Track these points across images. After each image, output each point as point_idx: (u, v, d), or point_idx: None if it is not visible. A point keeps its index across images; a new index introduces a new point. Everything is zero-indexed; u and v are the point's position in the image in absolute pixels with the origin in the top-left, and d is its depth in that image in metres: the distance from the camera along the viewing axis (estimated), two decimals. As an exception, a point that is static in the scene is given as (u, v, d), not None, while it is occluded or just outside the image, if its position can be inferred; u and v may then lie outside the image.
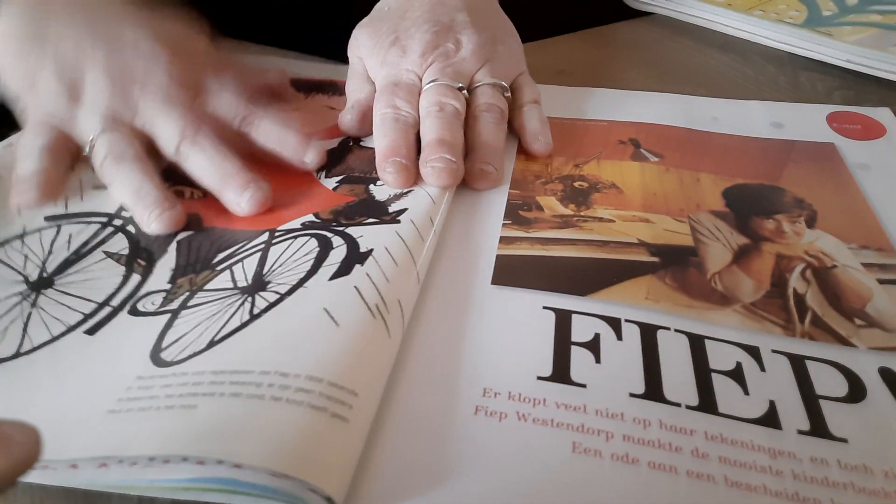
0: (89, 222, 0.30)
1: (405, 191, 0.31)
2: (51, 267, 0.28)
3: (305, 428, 0.20)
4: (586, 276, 0.28)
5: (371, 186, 0.32)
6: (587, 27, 0.51)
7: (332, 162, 0.35)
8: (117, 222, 0.30)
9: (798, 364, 0.24)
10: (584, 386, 0.23)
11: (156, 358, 0.23)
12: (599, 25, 0.51)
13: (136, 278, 0.27)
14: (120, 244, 0.29)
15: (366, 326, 0.24)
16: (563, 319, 0.26)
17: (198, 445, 0.19)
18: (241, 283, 0.26)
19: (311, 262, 0.27)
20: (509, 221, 0.31)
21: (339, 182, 0.33)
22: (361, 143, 0.37)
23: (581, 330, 0.25)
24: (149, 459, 0.19)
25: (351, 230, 0.29)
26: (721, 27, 0.49)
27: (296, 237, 0.29)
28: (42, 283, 0.27)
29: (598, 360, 0.24)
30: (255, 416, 0.20)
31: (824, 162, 0.35)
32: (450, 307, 0.27)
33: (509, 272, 0.28)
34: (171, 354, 0.23)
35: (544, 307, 0.26)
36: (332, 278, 0.26)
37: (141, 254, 0.28)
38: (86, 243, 0.29)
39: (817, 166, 0.34)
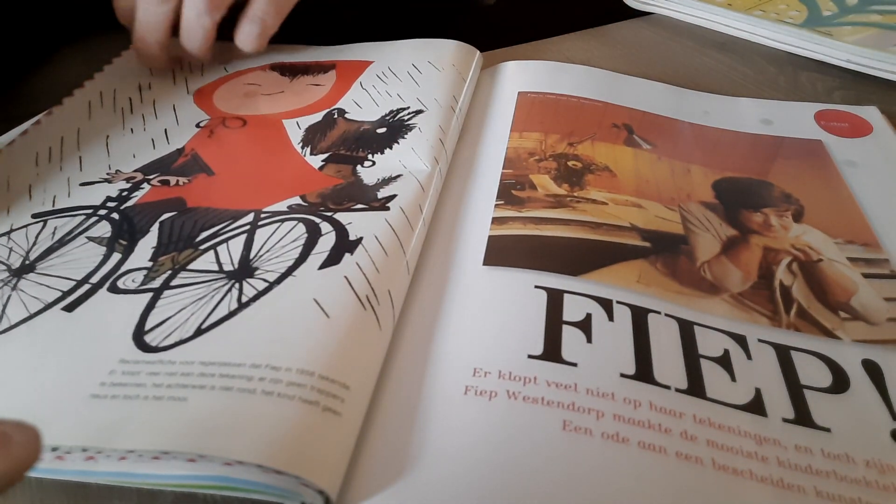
0: (75, 215, 0.29)
1: (394, 175, 0.31)
2: (34, 255, 0.27)
3: (298, 423, 0.19)
4: (579, 257, 0.28)
5: (358, 168, 0.32)
6: (587, 27, 0.51)
7: (316, 137, 0.34)
8: (102, 212, 0.30)
9: (783, 354, 0.24)
10: (575, 365, 0.23)
11: (139, 341, 0.23)
12: (599, 25, 0.51)
13: (116, 256, 0.27)
14: (103, 229, 0.28)
15: (356, 318, 0.23)
16: (554, 299, 0.25)
17: (189, 441, 0.19)
18: (228, 267, 0.26)
19: (300, 250, 0.26)
20: (502, 202, 0.31)
21: (325, 161, 0.33)
22: (346, 116, 0.36)
23: (573, 309, 0.25)
24: (138, 455, 0.19)
25: (340, 216, 0.28)
26: (721, 27, 0.49)
27: (283, 221, 0.28)
28: (24, 269, 0.26)
29: (589, 340, 0.24)
30: (247, 411, 0.20)
31: (812, 158, 0.35)
32: (441, 289, 0.26)
33: (501, 252, 0.28)
34: (155, 338, 0.23)
35: (536, 286, 0.26)
36: (321, 267, 0.25)
37: (123, 235, 0.28)
38: (70, 232, 0.28)
39: (805, 162, 0.35)
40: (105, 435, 0.19)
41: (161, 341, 0.23)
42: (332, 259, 0.25)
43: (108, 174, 0.32)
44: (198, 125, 0.36)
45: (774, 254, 0.29)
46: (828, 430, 0.22)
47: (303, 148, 0.34)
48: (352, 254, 0.26)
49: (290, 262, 0.26)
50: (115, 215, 0.29)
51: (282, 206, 0.29)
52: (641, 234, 0.29)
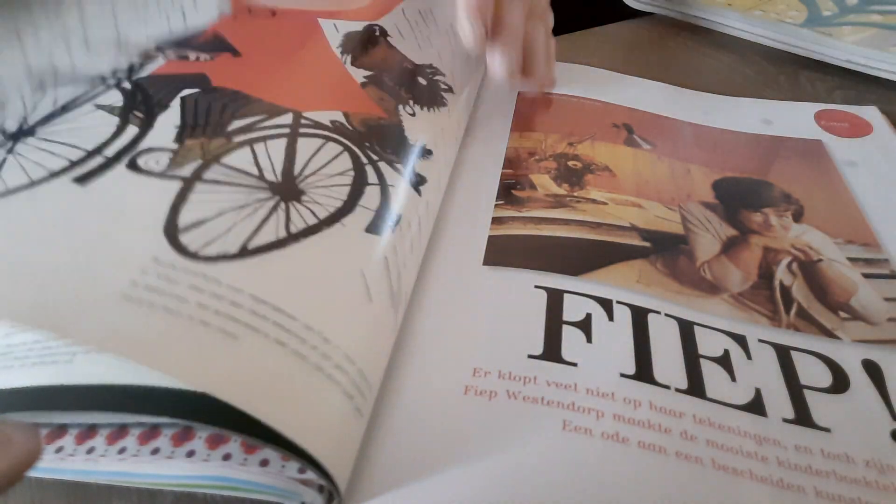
0: (78, 83, 0.26)
1: (429, 149, 0.29)
2: (33, 120, 0.24)
3: (340, 416, 0.19)
4: (579, 257, 0.28)
5: (400, 108, 0.30)
6: (587, 27, 0.51)
7: (357, 48, 0.32)
8: (111, 81, 0.26)
9: (784, 354, 0.24)
10: (575, 365, 0.23)
11: (174, 239, 0.20)
12: (599, 25, 0.51)
13: (132, 129, 0.23)
14: (113, 98, 0.25)
15: (387, 313, 0.23)
16: (554, 298, 0.26)
17: (240, 392, 0.17)
18: (269, 175, 0.23)
19: (348, 191, 0.24)
20: (502, 201, 0.31)
21: (368, 79, 0.30)
22: (389, 40, 0.34)
23: (573, 309, 0.25)
24: (135, 453, 0.18)
25: (383, 168, 0.26)
26: (721, 27, 0.49)
27: (327, 139, 0.26)
28: (22, 133, 0.23)
29: (589, 340, 0.24)
30: (302, 384, 0.18)
31: (812, 158, 0.35)
32: (441, 289, 0.26)
33: (501, 252, 0.28)
34: (193, 242, 0.20)
35: (536, 286, 0.26)
36: (367, 230, 0.24)
37: (138, 106, 0.25)
38: (74, 100, 0.25)
39: (805, 162, 0.35)
40: (141, 349, 0.16)
41: (201, 248, 0.20)
42: (376, 226, 0.24)
43: (115, 39, 0.29)
44: (219, 11, 0.32)
45: (774, 254, 0.29)
46: (828, 430, 0.22)
47: (342, 54, 0.31)
48: (392, 232, 0.24)
49: (339, 204, 0.24)
50: (127, 85, 0.26)
51: (324, 117, 0.27)
52: (641, 233, 0.29)
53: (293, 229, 0.22)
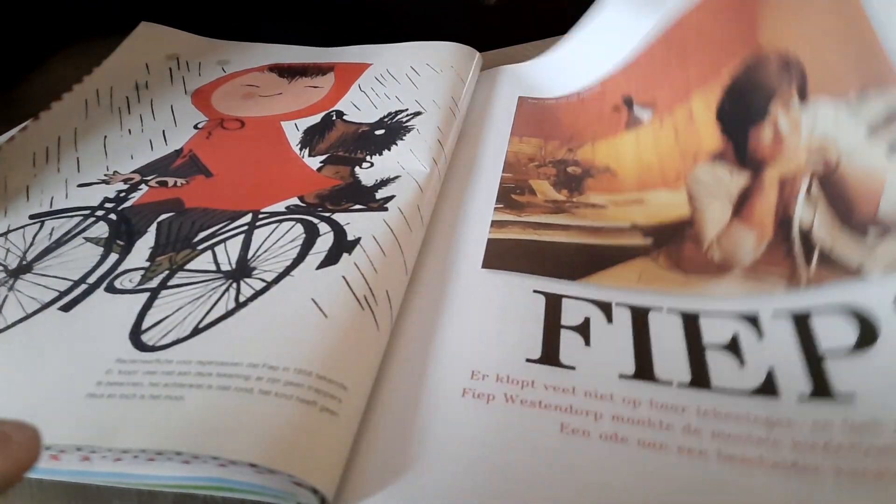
0: (72, 216, 0.30)
1: (392, 176, 0.31)
2: (31, 256, 0.27)
3: (294, 422, 0.19)
4: (578, 261, 0.27)
5: (356, 168, 0.32)
6: None
7: (314, 139, 0.35)
8: (99, 213, 0.30)
9: (801, 323, 0.23)
10: (573, 368, 0.23)
11: (136, 340, 0.23)
12: None
13: (113, 257, 0.27)
14: (100, 230, 0.29)
15: (354, 318, 0.23)
16: (553, 303, 0.25)
17: (185, 441, 0.19)
18: (225, 267, 0.26)
19: (298, 250, 0.26)
20: (501, 205, 0.31)
21: (324, 162, 0.33)
22: (345, 118, 0.36)
23: (571, 314, 0.25)
24: (133, 457, 0.19)
25: (338, 216, 0.28)
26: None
27: (280, 221, 0.28)
28: (21, 270, 0.26)
29: (587, 343, 0.24)
30: (244, 411, 0.20)
31: None
32: (439, 291, 0.27)
33: (500, 256, 0.28)
34: (152, 338, 0.23)
35: (534, 291, 0.26)
36: (319, 267, 0.25)
37: (121, 235, 0.28)
38: (67, 232, 0.28)
39: None
40: (102, 434, 0.19)
41: (158, 340, 0.22)
42: (330, 259, 0.26)
43: (105, 175, 0.33)
44: (196, 126, 0.36)
45: (791, 184, 0.27)
46: (850, 395, 0.21)
47: (301, 149, 0.34)
48: (350, 254, 0.26)
49: (288, 262, 0.26)
50: (113, 216, 0.29)
51: (280, 206, 0.29)
52: (643, 231, 0.28)
53: (241, 299, 0.24)
